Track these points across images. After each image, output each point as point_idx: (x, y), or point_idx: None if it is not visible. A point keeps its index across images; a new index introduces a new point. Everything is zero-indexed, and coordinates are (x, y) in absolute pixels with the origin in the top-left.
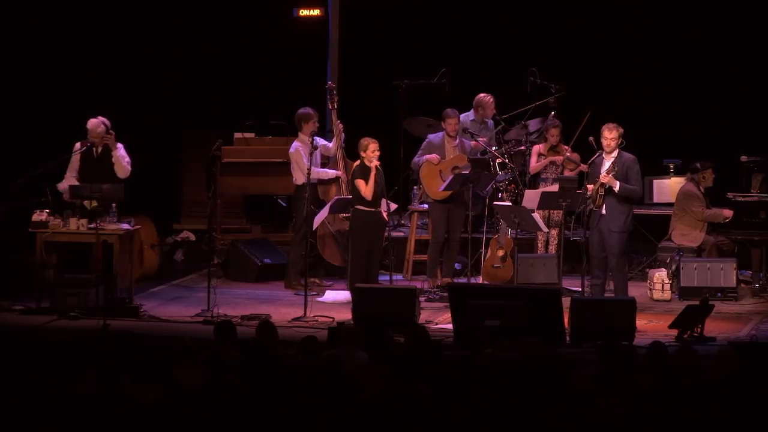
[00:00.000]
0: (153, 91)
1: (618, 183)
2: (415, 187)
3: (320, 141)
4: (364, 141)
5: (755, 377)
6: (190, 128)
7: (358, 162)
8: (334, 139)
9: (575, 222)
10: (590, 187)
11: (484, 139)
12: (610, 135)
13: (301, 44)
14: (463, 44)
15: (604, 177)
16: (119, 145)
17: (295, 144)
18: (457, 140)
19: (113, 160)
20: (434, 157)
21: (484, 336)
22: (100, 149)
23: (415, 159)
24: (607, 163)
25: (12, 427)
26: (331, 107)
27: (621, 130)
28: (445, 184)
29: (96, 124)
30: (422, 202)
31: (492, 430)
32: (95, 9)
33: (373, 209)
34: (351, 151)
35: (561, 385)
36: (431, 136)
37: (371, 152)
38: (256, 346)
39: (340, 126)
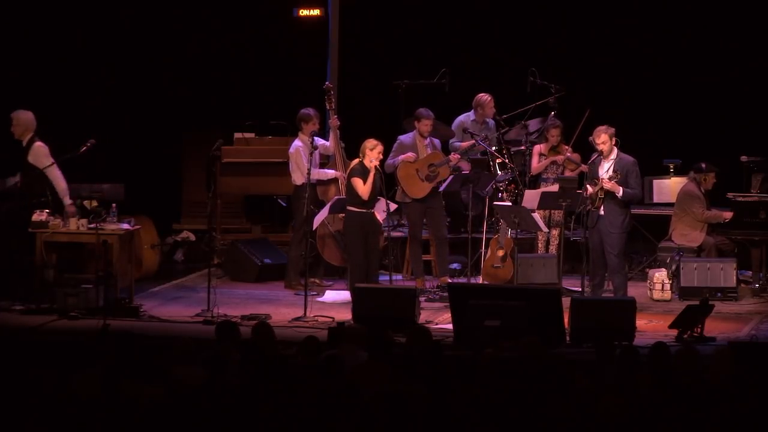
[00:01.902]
0: (153, 90)
1: (621, 189)
2: (399, 188)
3: (319, 141)
4: (371, 142)
5: (755, 377)
6: (190, 128)
7: (357, 160)
8: (331, 137)
9: (575, 222)
10: (590, 188)
11: (470, 142)
12: (600, 140)
13: (301, 44)
14: (463, 44)
15: (607, 183)
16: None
17: (295, 144)
18: (428, 139)
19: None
20: (411, 155)
21: (484, 336)
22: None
23: (389, 161)
24: (606, 165)
25: (12, 427)
26: (328, 107)
27: (611, 130)
28: (445, 184)
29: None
30: (399, 202)
31: (492, 430)
32: (96, 8)
33: (365, 210)
34: (351, 150)
35: (561, 385)
36: (402, 137)
37: (377, 153)
38: (256, 347)
39: (336, 122)
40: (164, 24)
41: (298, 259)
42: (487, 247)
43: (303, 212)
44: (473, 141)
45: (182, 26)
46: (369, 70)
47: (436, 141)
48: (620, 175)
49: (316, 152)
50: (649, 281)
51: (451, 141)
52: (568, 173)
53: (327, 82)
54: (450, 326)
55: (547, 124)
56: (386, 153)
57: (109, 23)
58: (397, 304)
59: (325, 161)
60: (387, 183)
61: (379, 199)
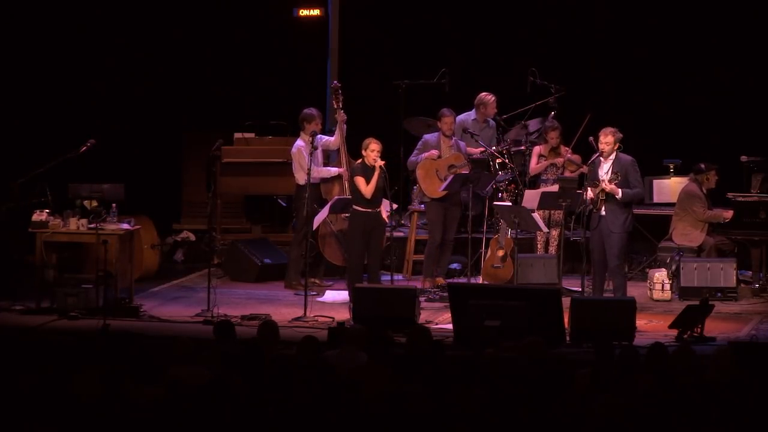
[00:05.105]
0: (153, 90)
1: (620, 191)
2: (414, 187)
3: (322, 138)
4: (366, 140)
5: (755, 377)
6: (190, 128)
7: (360, 160)
8: (337, 132)
9: (575, 222)
10: (590, 190)
11: (481, 149)
12: (605, 139)
13: (301, 44)
14: (463, 44)
15: (607, 186)
16: None
17: (298, 143)
18: (453, 140)
19: None
20: (434, 152)
21: (484, 336)
22: None
23: (412, 158)
24: (605, 166)
25: (12, 427)
26: (336, 106)
27: (619, 135)
28: (445, 184)
29: None
30: (421, 202)
31: (492, 430)
32: (96, 9)
33: (370, 210)
34: (352, 149)
35: (561, 385)
36: (427, 136)
37: (370, 152)
38: (256, 346)
39: (343, 116)
40: (164, 24)
41: (299, 259)
42: (487, 247)
43: (304, 212)
44: (484, 148)
45: (183, 26)
46: (369, 70)
47: (462, 143)
48: (620, 176)
49: (318, 151)
50: (649, 281)
51: None
52: (567, 174)
53: (335, 81)
54: (450, 326)
55: (546, 126)
56: (384, 150)
57: (109, 23)
58: (397, 304)
59: (327, 161)
60: (406, 181)
61: (383, 200)
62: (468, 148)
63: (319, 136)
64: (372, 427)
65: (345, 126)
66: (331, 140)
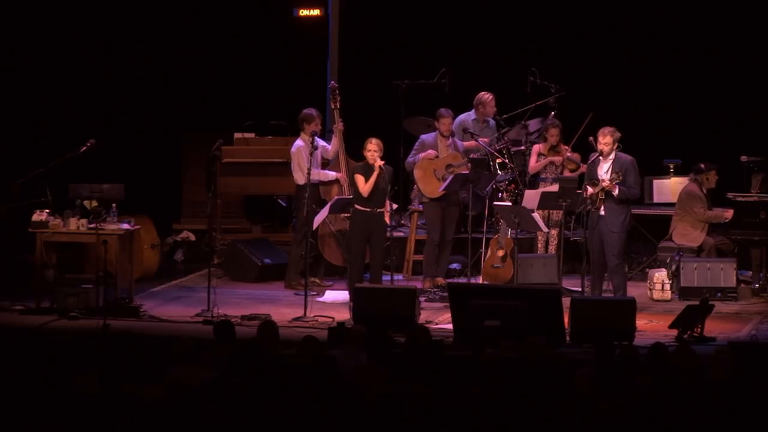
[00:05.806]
0: (153, 91)
1: (617, 188)
2: (414, 187)
3: (320, 143)
4: (366, 140)
5: (755, 377)
6: (190, 128)
7: (364, 160)
8: (334, 141)
9: (575, 222)
10: (590, 189)
11: (486, 139)
12: (603, 140)
13: (301, 44)
14: (463, 44)
15: (606, 183)
16: None
17: (297, 143)
18: (450, 140)
19: None
20: (432, 152)
21: (484, 336)
22: None
23: (410, 158)
24: (605, 165)
25: (13, 426)
26: (333, 107)
27: (617, 134)
28: (445, 184)
29: None
30: (420, 203)
31: (492, 430)
32: (96, 10)
33: (370, 209)
34: (350, 150)
35: (561, 385)
36: (424, 136)
37: (367, 151)
38: (256, 346)
39: (341, 126)
40: (164, 24)
41: (299, 259)
42: (487, 247)
43: (304, 212)
44: (477, 143)
45: (183, 26)
46: (369, 70)
47: (459, 143)
48: (621, 176)
49: (318, 152)
50: (649, 281)
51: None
52: (567, 173)
53: (333, 82)
54: (450, 326)
55: (546, 124)
56: (384, 150)
57: (109, 23)
58: (397, 304)
59: (326, 162)
60: (405, 181)
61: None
62: (465, 144)
63: (317, 139)
64: (372, 427)
65: (342, 137)
66: (329, 148)
